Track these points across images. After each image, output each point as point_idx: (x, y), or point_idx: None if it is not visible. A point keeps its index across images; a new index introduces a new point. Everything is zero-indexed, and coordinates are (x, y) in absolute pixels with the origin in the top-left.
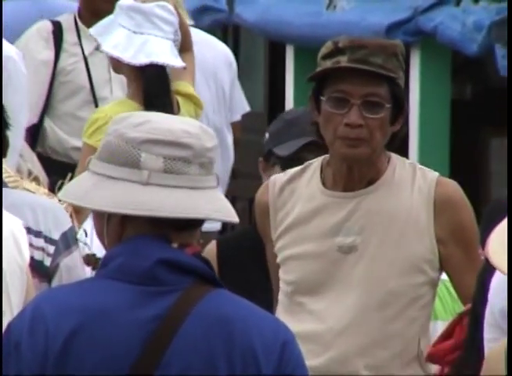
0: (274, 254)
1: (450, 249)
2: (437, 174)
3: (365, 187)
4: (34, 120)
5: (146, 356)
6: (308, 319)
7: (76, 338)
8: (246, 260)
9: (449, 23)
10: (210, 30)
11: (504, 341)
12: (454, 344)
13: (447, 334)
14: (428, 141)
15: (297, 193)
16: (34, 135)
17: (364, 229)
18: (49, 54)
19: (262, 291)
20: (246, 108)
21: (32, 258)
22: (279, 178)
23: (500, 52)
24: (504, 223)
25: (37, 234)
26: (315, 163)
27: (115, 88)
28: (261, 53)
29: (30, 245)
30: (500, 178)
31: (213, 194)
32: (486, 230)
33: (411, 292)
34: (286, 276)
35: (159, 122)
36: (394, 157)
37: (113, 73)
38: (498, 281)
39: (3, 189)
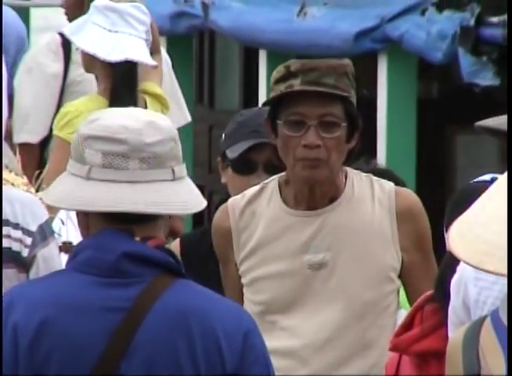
0: (235, 277)
1: (412, 257)
2: (392, 184)
3: (327, 204)
4: (45, 133)
5: (111, 347)
6: (282, 336)
7: (43, 332)
8: (208, 256)
9: (415, 32)
10: (187, 34)
11: (462, 328)
12: (419, 333)
13: (408, 323)
14: (396, 140)
15: (258, 215)
16: (45, 144)
17: (332, 245)
18: (59, 67)
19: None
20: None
21: (10, 249)
22: (236, 201)
23: (465, 60)
24: (468, 212)
25: (15, 226)
26: (272, 182)
27: None
28: (235, 57)
29: (9, 237)
30: (465, 173)
31: (158, 187)
32: (454, 213)
33: (382, 301)
34: (255, 297)
35: (106, 118)
36: (350, 171)
37: None
38: (457, 278)
39: None
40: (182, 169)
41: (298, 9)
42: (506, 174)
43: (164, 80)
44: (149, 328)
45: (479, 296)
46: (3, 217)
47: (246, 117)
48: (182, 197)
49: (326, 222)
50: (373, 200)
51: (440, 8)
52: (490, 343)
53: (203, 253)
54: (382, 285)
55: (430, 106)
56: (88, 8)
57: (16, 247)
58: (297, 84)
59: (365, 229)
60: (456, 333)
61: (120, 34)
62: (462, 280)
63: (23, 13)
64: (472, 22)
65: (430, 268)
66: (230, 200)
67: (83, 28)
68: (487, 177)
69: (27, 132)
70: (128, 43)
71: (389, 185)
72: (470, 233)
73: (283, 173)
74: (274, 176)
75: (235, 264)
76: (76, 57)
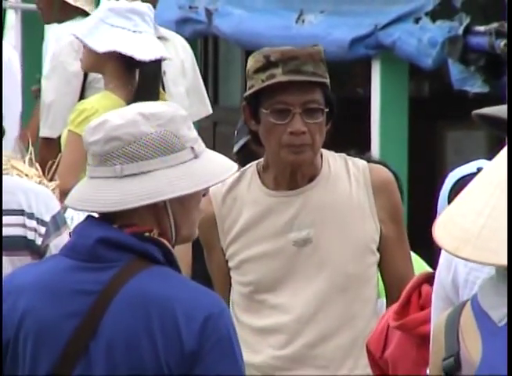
0: (220, 262)
1: (388, 229)
2: (364, 162)
3: (306, 184)
4: (64, 128)
5: (81, 328)
6: (272, 314)
7: (25, 316)
8: None
9: (406, 39)
10: (192, 39)
11: (447, 311)
12: (426, 316)
13: (405, 302)
14: (389, 138)
15: (240, 200)
16: None
17: (315, 222)
18: (80, 65)
19: None
20: None
21: (26, 238)
22: (217, 189)
23: (455, 68)
24: (452, 203)
25: (30, 216)
26: (250, 168)
27: None
28: (238, 60)
29: (24, 226)
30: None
31: (99, 183)
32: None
33: (365, 273)
34: (243, 279)
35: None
36: (324, 151)
37: None
38: (444, 257)
39: None
40: (133, 167)
41: (296, 16)
42: (487, 169)
43: (187, 74)
44: (114, 311)
45: (468, 276)
46: (18, 207)
47: None
48: (104, 196)
49: (306, 201)
50: (348, 177)
51: (433, 17)
52: (469, 327)
53: None
54: (364, 257)
55: (420, 106)
56: (58, 3)
57: (31, 235)
58: (279, 73)
59: (345, 204)
60: (441, 315)
61: (143, 34)
62: (452, 261)
63: (37, 17)
64: (460, 31)
65: (404, 239)
66: (211, 189)
67: (95, 31)
68: (473, 167)
69: (49, 128)
70: (154, 42)
71: (362, 162)
72: (451, 222)
73: (260, 160)
74: (251, 163)
75: (220, 249)
76: None
